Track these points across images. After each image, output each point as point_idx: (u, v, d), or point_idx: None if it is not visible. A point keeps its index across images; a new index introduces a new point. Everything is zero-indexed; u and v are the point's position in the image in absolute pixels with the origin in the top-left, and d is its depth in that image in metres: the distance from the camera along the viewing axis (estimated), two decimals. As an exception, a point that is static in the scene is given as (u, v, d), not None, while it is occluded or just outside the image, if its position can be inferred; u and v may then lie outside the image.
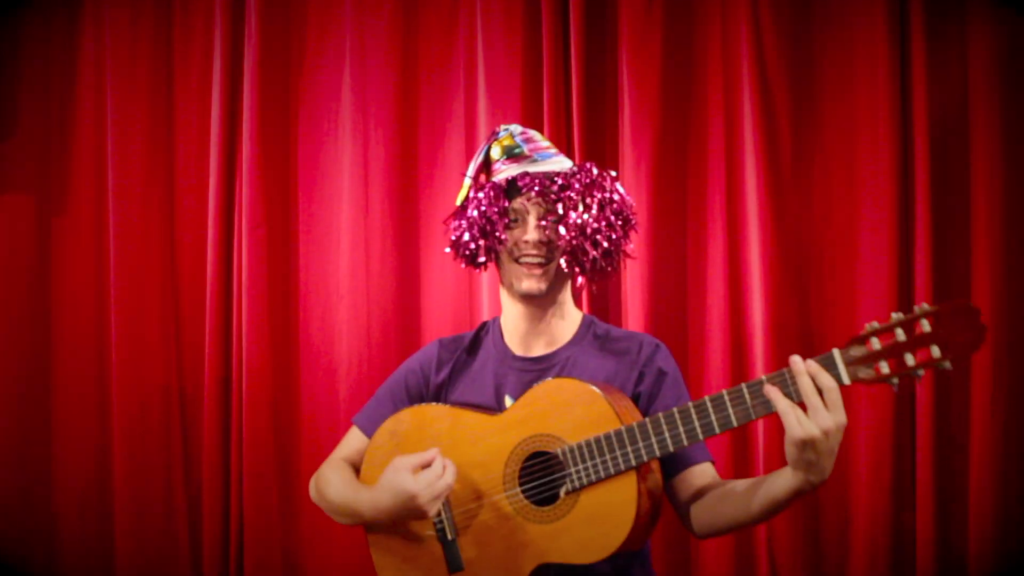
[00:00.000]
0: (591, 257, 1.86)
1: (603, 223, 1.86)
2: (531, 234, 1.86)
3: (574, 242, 1.84)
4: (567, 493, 1.74)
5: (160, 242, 2.81)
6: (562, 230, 1.84)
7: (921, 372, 1.53)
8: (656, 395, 1.88)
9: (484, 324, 2.03)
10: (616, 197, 1.89)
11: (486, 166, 1.95)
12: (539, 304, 1.91)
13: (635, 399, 1.85)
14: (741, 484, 1.75)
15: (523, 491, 1.78)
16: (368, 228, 2.73)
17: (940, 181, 2.49)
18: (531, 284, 1.87)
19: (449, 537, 1.78)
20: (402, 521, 1.81)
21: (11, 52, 2.84)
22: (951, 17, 2.49)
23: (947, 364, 1.52)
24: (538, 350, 1.94)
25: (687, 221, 2.62)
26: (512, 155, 1.92)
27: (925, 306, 1.52)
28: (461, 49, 2.72)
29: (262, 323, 2.72)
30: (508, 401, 1.88)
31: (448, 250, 1.97)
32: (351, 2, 2.76)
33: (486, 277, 2.63)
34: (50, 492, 2.79)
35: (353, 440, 2.00)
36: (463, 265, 1.94)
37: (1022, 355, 2.44)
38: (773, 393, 1.57)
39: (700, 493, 1.81)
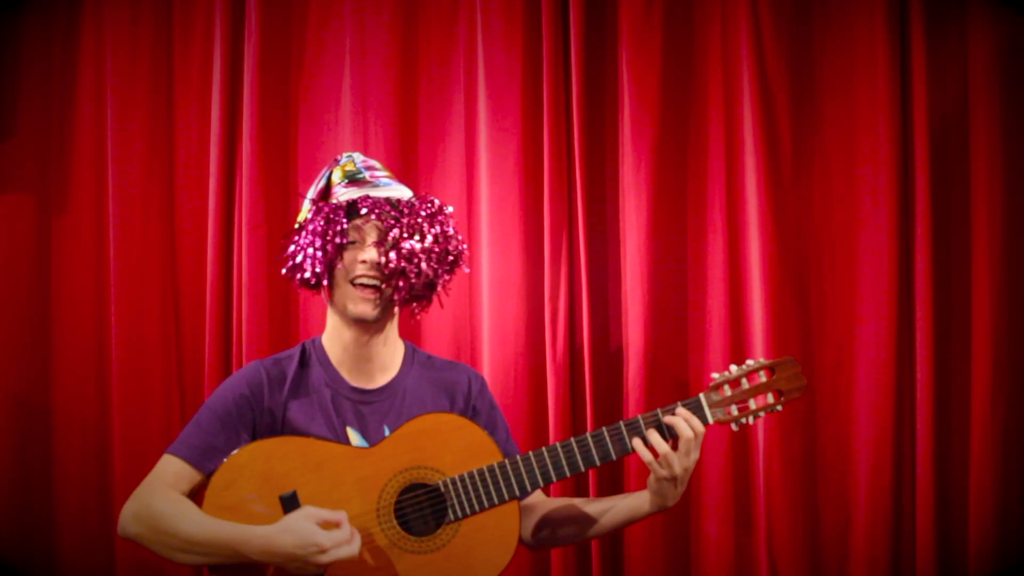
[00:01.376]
0: (411, 283, 1.91)
1: (433, 254, 1.92)
2: (368, 254, 1.89)
3: (401, 265, 1.89)
4: (447, 523, 1.81)
5: (160, 242, 2.81)
6: (392, 254, 1.89)
7: (762, 414, 1.92)
8: (494, 427, 2.02)
9: (303, 346, 2.01)
10: (451, 232, 1.97)
11: (326, 190, 1.97)
12: (370, 329, 1.95)
13: None
14: (588, 506, 1.99)
15: (399, 523, 1.81)
16: (368, 228, 2.73)
17: (940, 181, 2.49)
18: (365, 308, 1.91)
19: None
20: (287, 567, 1.75)
21: (11, 52, 2.83)
22: (951, 17, 2.49)
23: (779, 407, 1.93)
24: (371, 379, 1.97)
25: (687, 221, 2.62)
26: (354, 179, 1.96)
27: (761, 360, 1.94)
28: (461, 49, 2.72)
29: (262, 323, 2.72)
30: (351, 433, 1.91)
31: (284, 271, 1.98)
32: (351, 2, 2.76)
33: (486, 277, 2.63)
34: (50, 492, 2.78)
35: (173, 470, 1.88)
36: (300, 286, 1.96)
37: (1022, 355, 2.44)
38: (653, 436, 1.85)
39: (533, 509, 2.02)
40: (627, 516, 1.94)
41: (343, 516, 1.75)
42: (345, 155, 2.02)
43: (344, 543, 1.72)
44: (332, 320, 1.99)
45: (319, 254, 1.90)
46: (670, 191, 2.60)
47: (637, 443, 1.85)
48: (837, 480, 2.52)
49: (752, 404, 1.91)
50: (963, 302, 2.49)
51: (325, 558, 1.71)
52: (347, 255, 1.91)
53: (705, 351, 2.58)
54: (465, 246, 2.02)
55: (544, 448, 1.86)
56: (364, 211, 1.91)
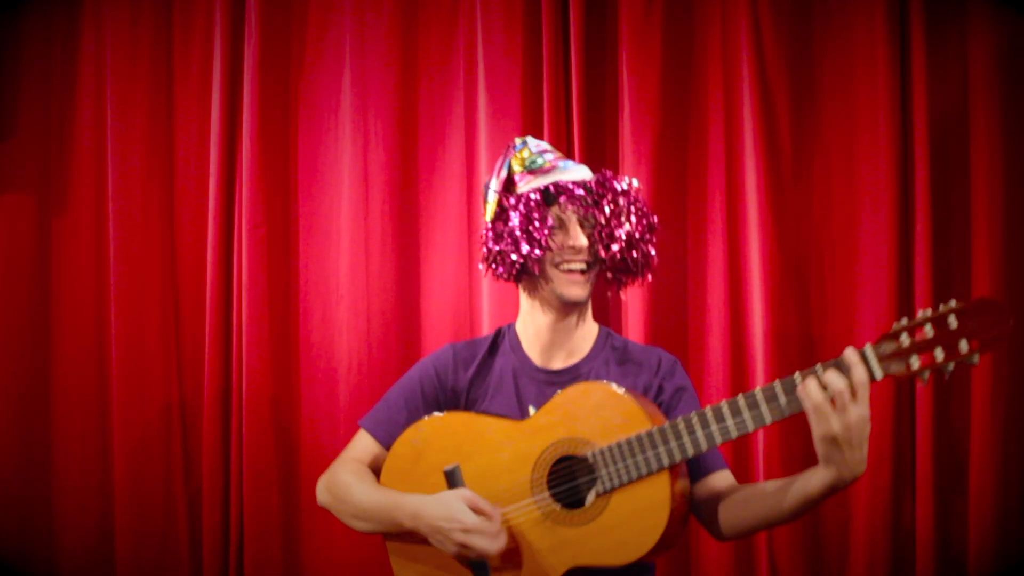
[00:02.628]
0: (638, 265, 1.91)
1: (636, 232, 1.91)
2: (579, 240, 1.89)
3: (611, 247, 1.88)
4: (598, 495, 1.75)
5: (160, 242, 2.81)
6: (599, 237, 1.89)
7: (951, 366, 1.55)
8: (674, 408, 1.91)
9: (499, 331, 2.04)
10: (643, 208, 1.94)
11: (509, 181, 1.96)
12: (572, 312, 1.95)
13: None
14: (770, 485, 1.76)
15: (552, 495, 1.78)
16: (368, 228, 2.73)
17: (940, 181, 2.49)
18: (577, 291, 1.90)
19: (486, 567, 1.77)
20: (430, 537, 1.79)
21: (11, 52, 2.83)
22: (951, 17, 2.49)
23: (975, 359, 1.54)
24: (559, 362, 1.96)
25: (687, 221, 2.62)
26: (535, 167, 1.94)
27: (953, 302, 1.55)
28: (461, 49, 2.72)
29: (262, 323, 2.72)
30: (532, 411, 1.90)
31: (483, 266, 1.97)
32: (351, 2, 2.76)
33: (486, 277, 2.63)
34: (50, 492, 2.79)
35: (363, 444, 1.99)
36: (504, 279, 1.94)
37: (1022, 355, 2.44)
38: (811, 385, 1.56)
39: (722, 496, 1.82)
40: (801, 493, 1.66)
41: (498, 512, 1.76)
42: (519, 141, 1.98)
43: (487, 534, 1.73)
44: (529, 306, 1.98)
45: (529, 247, 1.88)
46: (670, 191, 2.60)
47: (794, 393, 1.59)
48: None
49: (939, 355, 1.56)
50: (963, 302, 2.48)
51: (465, 538, 1.72)
52: (552, 243, 1.89)
53: (705, 351, 2.58)
54: (656, 218, 1.96)
55: (693, 412, 1.68)
56: (563, 198, 1.90)
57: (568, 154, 2.61)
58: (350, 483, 1.92)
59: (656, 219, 1.95)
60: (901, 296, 2.49)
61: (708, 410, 1.67)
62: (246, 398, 2.72)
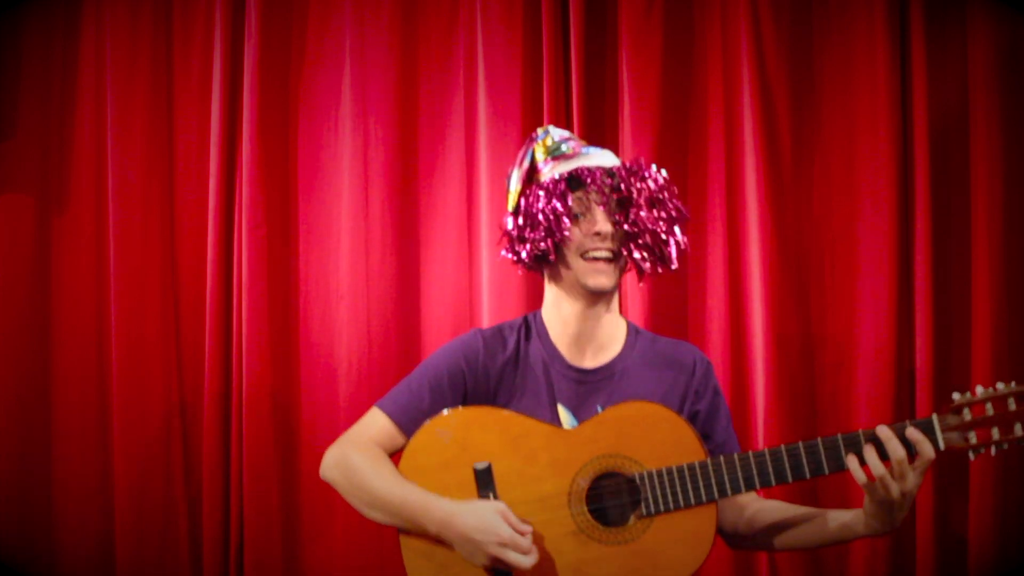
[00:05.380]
0: (652, 250, 1.85)
1: (662, 217, 1.85)
2: (604, 226, 1.83)
3: (636, 233, 1.83)
4: (640, 518, 1.74)
5: (160, 242, 2.81)
6: (625, 224, 1.83)
7: (1005, 446, 1.68)
8: (714, 415, 1.91)
9: (525, 319, 1.97)
10: (668, 194, 1.88)
11: (531, 169, 1.91)
12: (600, 302, 1.89)
13: (693, 416, 1.87)
14: (800, 515, 1.82)
15: (590, 510, 1.76)
16: (368, 228, 2.73)
17: (940, 181, 2.49)
18: (603, 280, 1.85)
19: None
20: (459, 546, 1.74)
21: (11, 52, 2.83)
22: (951, 17, 2.49)
23: None
24: (590, 358, 1.91)
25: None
26: (559, 153, 1.89)
27: (1013, 384, 1.67)
28: (461, 49, 2.72)
29: (262, 323, 2.72)
30: (562, 411, 1.86)
31: (509, 255, 1.92)
32: (351, 2, 2.76)
33: (486, 277, 2.63)
34: (50, 492, 2.78)
35: (379, 425, 1.89)
36: (528, 267, 1.91)
37: (1022, 355, 2.44)
38: (869, 455, 1.65)
39: (744, 509, 1.88)
40: (838, 535, 1.77)
41: (529, 529, 1.71)
42: (541, 131, 1.95)
43: (522, 550, 1.69)
44: (554, 295, 1.92)
45: (548, 234, 1.83)
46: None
47: (851, 461, 1.66)
48: (837, 480, 2.51)
49: (995, 433, 1.68)
50: (963, 302, 2.49)
51: (499, 552, 1.68)
52: (576, 230, 1.84)
53: (705, 351, 2.56)
54: (685, 208, 1.93)
55: (751, 453, 1.73)
56: (587, 183, 1.84)
57: (568, 154, 2.61)
58: (368, 469, 1.83)
59: (685, 209, 1.90)
60: (901, 296, 2.49)
61: (767, 452, 1.72)
62: (246, 398, 2.71)
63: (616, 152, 2.62)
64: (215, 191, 2.75)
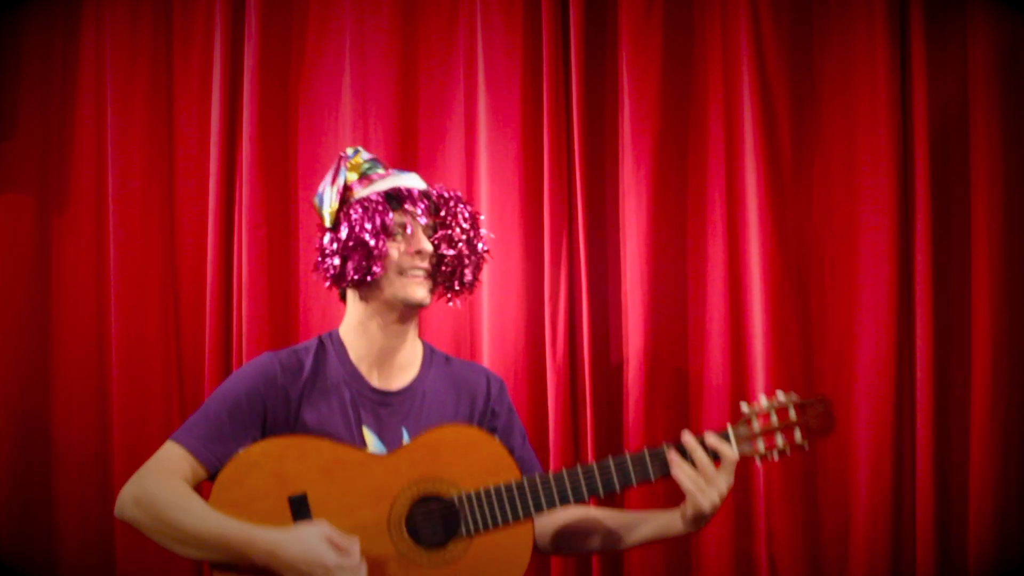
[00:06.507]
0: (465, 271, 1.94)
1: (474, 242, 1.95)
2: (425, 245, 1.89)
3: (455, 254, 1.91)
4: (460, 539, 1.79)
5: (160, 242, 2.81)
6: (444, 244, 1.91)
7: (788, 452, 1.86)
8: (511, 433, 2.01)
9: (320, 340, 1.98)
10: (479, 222, 1.99)
11: (345, 188, 1.94)
12: (411, 319, 1.95)
13: (490, 434, 1.93)
14: (614, 520, 1.93)
15: (410, 534, 1.79)
16: (368, 228, 2.73)
17: (940, 181, 2.49)
18: (422, 292, 1.91)
19: None
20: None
21: (11, 52, 2.83)
22: (951, 17, 2.49)
23: (806, 446, 1.87)
24: (391, 379, 1.94)
25: (687, 221, 2.62)
26: (372, 172, 1.95)
27: (793, 396, 1.86)
28: (461, 49, 2.72)
29: (262, 323, 2.72)
30: (368, 434, 1.88)
31: (322, 271, 1.94)
32: (351, 2, 2.76)
33: (486, 277, 2.63)
34: (50, 493, 2.78)
35: (178, 458, 1.82)
36: (337, 285, 1.93)
37: (1022, 355, 2.44)
38: (680, 466, 1.80)
39: (556, 519, 1.97)
40: (657, 534, 1.89)
41: (356, 545, 1.72)
42: (351, 150, 1.99)
43: (349, 570, 1.70)
44: (360, 314, 1.94)
45: (369, 251, 1.86)
46: (670, 191, 2.60)
47: (675, 468, 1.80)
48: (837, 480, 2.52)
49: (779, 441, 1.85)
50: (963, 302, 2.49)
51: None
52: (395, 248, 1.89)
53: (705, 351, 2.58)
54: (490, 234, 2.05)
55: (565, 470, 1.82)
56: (405, 203, 1.90)
57: (568, 154, 2.61)
58: (175, 504, 1.75)
59: (491, 235, 2.02)
60: (901, 296, 2.49)
61: (579, 469, 1.82)
62: (246, 398, 2.71)
63: (616, 152, 2.64)
64: (215, 191, 2.75)
